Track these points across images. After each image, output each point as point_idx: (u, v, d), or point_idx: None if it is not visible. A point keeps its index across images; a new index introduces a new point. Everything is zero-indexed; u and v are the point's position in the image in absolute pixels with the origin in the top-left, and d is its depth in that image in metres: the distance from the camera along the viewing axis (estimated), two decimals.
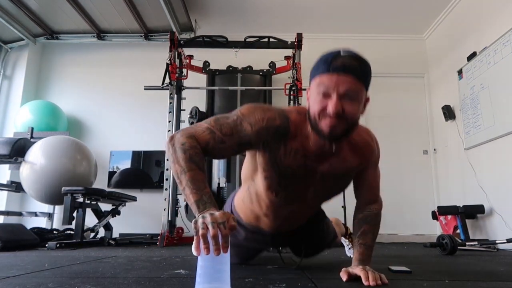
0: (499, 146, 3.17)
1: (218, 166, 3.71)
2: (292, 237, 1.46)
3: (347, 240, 2.01)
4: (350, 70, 1.00)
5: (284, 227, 1.35)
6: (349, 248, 1.99)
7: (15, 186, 3.63)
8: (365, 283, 1.02)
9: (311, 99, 1.05)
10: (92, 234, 3.18)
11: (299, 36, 3.61)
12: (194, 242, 0.86)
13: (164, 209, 3.20)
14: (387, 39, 4.68)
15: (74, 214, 2.92)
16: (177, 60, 3.65)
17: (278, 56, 4.03)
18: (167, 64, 3.51)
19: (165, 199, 3.23)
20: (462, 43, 3.82)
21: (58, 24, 4.26)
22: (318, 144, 1.09)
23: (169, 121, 3.42)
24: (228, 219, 0.85)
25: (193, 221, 0.89)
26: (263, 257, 1.83)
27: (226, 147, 1.05)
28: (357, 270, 1.09)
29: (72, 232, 3.10)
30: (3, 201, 4.03)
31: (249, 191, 1.27)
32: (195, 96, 3.97)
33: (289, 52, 3.91)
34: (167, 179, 3.29)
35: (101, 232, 3.44)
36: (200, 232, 0.84)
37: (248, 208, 1.32)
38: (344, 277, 1.09)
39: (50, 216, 4.04)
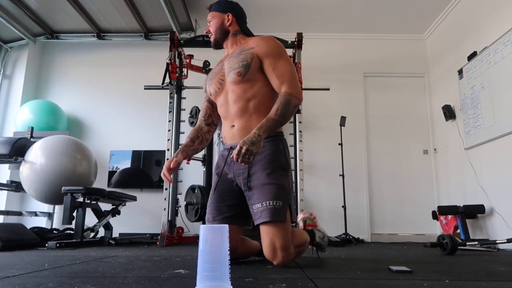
0: (500, 146, 3.17)
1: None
2: (244, 165, 1.56)
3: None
4: (210, 9, 1.83)
5: (231, 125, 1.64)
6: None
7: (15, 186, 3.63)
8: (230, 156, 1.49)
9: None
10: (92, 234, 3.18)
11: (299, 36, 3.61)
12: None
13: (164, 209, 3.20)
14: (387, 39, 4.68)
15: (74, 214, 2.92)
16: (177, 60, 3.65)
17: None
18: (167, 64, 3.51)
19: (165, 199, 3.23)
20: (462, 43, 3.81)
21: (58, 23, 4.26)
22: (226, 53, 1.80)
23: (169, 121, 3.42)
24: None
25: None
26: (262, 258, 1.83)
27: (204, 105, 1.83)
28: (239, 144, 1.38)
29: (72, 232, 3.10)
30: (3, 201, 4.03)
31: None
32: (195, 95, 3.97)
33: (289, 52, 3.90)
34: None
35: (101, 232, 3.45)
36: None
37: (222, 126, 1.74)
38: (231, 155, 1.40)
39: (50, 215, 4.04)
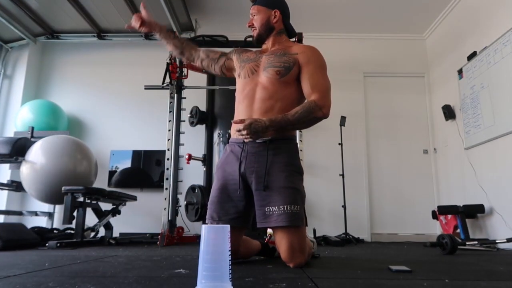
0: (499, 146, 3.17)
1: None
2: (259, 163, 1.53)
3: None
4: (254, 2, 1.76)
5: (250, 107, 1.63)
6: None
7: (16, 186, 3.63)
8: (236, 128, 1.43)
9: None
10: (93, 234, 3.18)
11: (299, 36, 3.61)
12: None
13: (165, 209, 3.20)
14: (387, 38, 4.68)
15: (75, 214, 2.92)
16: (177, 60, 3.65)
17: None
18: (167, 64, 3.51)
19: (165, 199, 3.23)
20: (462, 43, 3.81)
21: (58, 23, 4.26)
22: (265, 46, 1.79)
23: (169, 121, 3.42)
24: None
25: None
26: (263, 257, 1.83)
27: (217, 55, 1.91)
28: (246, 121, 1.42)
29: (72, 232, 3.10)
30: (4, 201, 4.04)
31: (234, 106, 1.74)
32: (196, 95, 3.97)
33: None
34: (167, 179, 3.30)
35: (102, 232, 3.45)
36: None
37: (236, 118, 1.66)
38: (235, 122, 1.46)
39: (50, 215, 4.04)
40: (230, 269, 0.85)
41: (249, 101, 1.60)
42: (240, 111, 1.63)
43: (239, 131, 1.40)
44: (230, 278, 0.84)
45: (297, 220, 1.44)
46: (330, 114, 1.55)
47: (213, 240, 0.86)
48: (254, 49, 1.82)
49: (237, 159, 1.58)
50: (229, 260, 0.86)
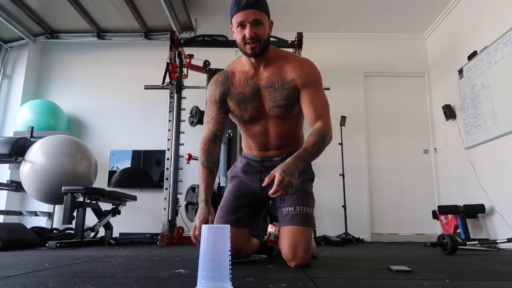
0: (500, 146, 3.17)
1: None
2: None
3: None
4: (253, 5, 1.40)
5: (268, 149, 1.64)
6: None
7: (15, 186, 3.63)
8: (270, 192, 1.27)
9: (235, 34, 1.46)
10: (92, 234, 3.18)
11: (300, 35, 3.61)
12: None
13: (164, 209, 3.20)
14: (387, 38, 4.67)
15: (74, 214, 2.92)
16: (177, 59, 3.65)
17: None
18: (167, 64, 3.51)
19: (165, 199, 3.22)
20: (462, 42, 3.81)
21: (58, 23, 4.26)
22: (251, 64, 1.53)
23: (169, 121, 3.42)
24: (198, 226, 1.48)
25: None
26: (263, 257, 1.83)
27: (217, 118, 1.58)
28: (276, 172, 1.28)
29: (72, 232, 3.10)
30: (3, 201, 4.03)
31: (242, 135, 1.73)
32: (196, 95, 3.97)
33: (289, 51, 3.89)
34: (167, 179, 3.29)
35: (101, 232, 3.44)
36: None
37: (245, 142, 1.74)
38: (264, 182, 1.29)
39: (50, 215, 4.04)
40: (230, 269, 0.84)
41: (263, 136, 1.61)
42: (256, 145, 1.66)
43: (274, 194, 1.27)
44: (230, 278, 0.84)
45: (310, 221, 1.53)
46: (330, 113, 1.60)
47: (213, 240, 0.86)
48: (233, 69, 1.58)
49: (256, 172, 1.66)
50: (229, 260, 0.85)
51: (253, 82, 1.53)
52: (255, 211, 1.67)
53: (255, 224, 1.66)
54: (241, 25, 1.41)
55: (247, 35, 1.40)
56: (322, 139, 1.44)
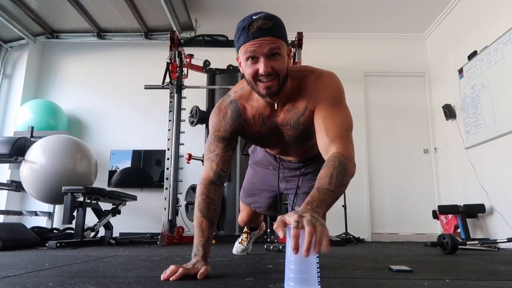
0: (500, 145, 3.17)
1: None
2: (292, 182, 1.59)
3: None
4: (267, 31, 1.07)
5: (286, 155, 1.53)
6: None
7: (15, 186, 3.63)
8: (292, 250, 0.80)
9: (243, 67, 1.13)
10: (93, 234, 3.18)
11: (300, 35, 3.61)
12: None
13: (165, 208, 3.20)
14: (387, 38, 4.67)
15: (75, 214, 2.92)
16: (177, 59, 3.65)
17: None
18: (168, 63, 3.51)
19: (165, 198, 3.22)
20: (462, 42, 3.81)
21: (58, 23, 4.25)
22: (266, 102, 1.22)
23: (170, 120, 3.42)
24: (195, 272, 1.11)
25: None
26: (263, 257, 1.82)
27: (224, 156, 1.28)
28: (292, 218, 0.83)
29: (72, 232, 3.10)
30: (3, 201, 4.03)
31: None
32: (196, 95, 3.97)
33: None
34: (167, 178, 3.29)
35: (102, 232, 3.44)
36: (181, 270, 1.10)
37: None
38: (278, 231, 0.83)
39: (50, 215, 4.04)
40: (318, 272, 0.81)
41: (281, 153, 1.52)
42: (273, 153, 1.59)
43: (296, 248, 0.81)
44: (319, 282, 0.80)
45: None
46: None
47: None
48: (244, 101, 1.25)
49: (274, 169, 1.63)
50: (317, 263, 0.81)
51: (270, 121, 1.25)
52: (272, 199, 1.71)
53: (272, 209, 1.72)
54: (253, 59, 1.08)
55: (261, 71, 1.07)
56: (342, 171, 1.03)
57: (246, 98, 1.25)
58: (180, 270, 1.08)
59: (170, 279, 1.05)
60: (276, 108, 1.21)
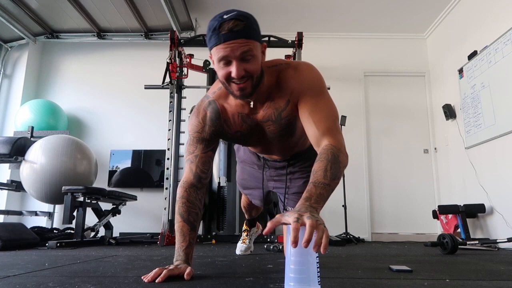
0: (500, 145, 3.17)
1: (218, 165, 3.71)
2: (280, 183, 1.59)
3: None
4: (238, 33, 1.03)
5: (270, 154, 1.51)
6: None
7: (15, 185, 3.63)
8: (291, 243, 0.78)
9: (216, 68, 1.11)
10: (93, 234, 3.18)
11: (300, 35, 3.61)
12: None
13: (165, 208, 3.20)
14: (387, 38, 4.67)
15: (75, 213, 2.92)
16: (177, 59, 3.65)
17: (279, 55, 4.00)
18: (168, 63, 3.51)
19: (165, 198, 3.23)
20: (462, 42, 3.81)
21: (58, 23, 4.25)
22: (243, 100, 1.19)
23: (170, 120, 3.42)
24: (180, 272, 1.09)
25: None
26: (263, 257, 1.82)
27: (203, 157, 1.26)
28: (290, 218, 0.81)
29: (72, 231, 3.10)
30: (3, 200, 4.03)
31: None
32: (196, 95, 3.96)
33: (289, 51, 3.90)
34: (167, 178, 3.29)
35: (102, 231, 3.45)
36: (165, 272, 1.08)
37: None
38: (266, 229, 0.84)
39: (50, 215, 4.04)
40: (318, 272, 0.81)
41: (265, 151, 1.47)
42: (257, 152, 1.55)
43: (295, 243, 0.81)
44: (319, 282, 0.81)
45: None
46: None
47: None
48: (222, 100, 1.23)
49: (259, 168, 1.63)
50: (317, 263, 0.81)
51: (249, 119, 1.23)
52: (264, 194, 1.71)
53: (266, 202, 1.75)
54: (225, 61, 1.05)
55: (233, 74, 1.05)
56: (335, 162, 1.03)
57: (224, 98, 1.23)
58: (164, 272, 1.05)
59: (156, 281, 1.03)
60: (252, 106, 1.20)
